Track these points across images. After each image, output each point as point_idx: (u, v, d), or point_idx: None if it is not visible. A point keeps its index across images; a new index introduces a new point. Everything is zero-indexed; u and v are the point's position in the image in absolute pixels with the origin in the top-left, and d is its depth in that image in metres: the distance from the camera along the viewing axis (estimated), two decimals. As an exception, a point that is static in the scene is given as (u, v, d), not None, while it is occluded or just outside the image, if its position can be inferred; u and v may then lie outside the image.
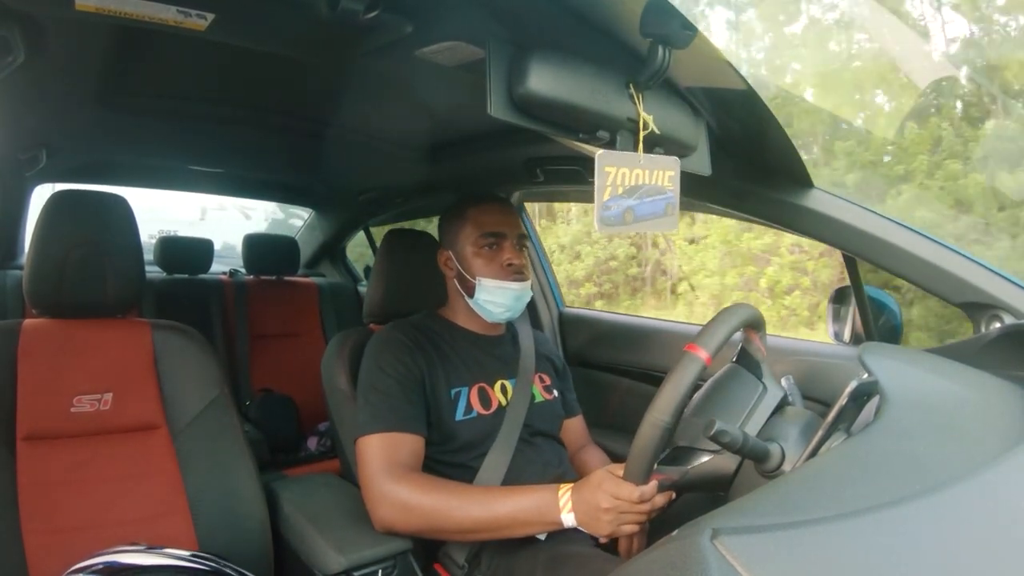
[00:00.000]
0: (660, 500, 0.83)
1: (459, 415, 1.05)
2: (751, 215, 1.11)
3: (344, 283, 2.57)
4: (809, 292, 5.86)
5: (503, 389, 1.12)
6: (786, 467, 0.73)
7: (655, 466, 0.79)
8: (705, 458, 0.80)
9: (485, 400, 1.09)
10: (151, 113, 1.32)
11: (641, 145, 0.75)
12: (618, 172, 0.73)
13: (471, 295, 1.11)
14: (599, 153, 0.71)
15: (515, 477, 1.03)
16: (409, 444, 0.98)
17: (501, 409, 1.09)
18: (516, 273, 1.10)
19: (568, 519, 0.86)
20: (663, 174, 0.78)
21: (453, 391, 1.06)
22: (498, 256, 1.10)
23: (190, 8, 0.80)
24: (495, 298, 1.10)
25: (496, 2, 0.74)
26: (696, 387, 0.77)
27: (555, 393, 1.20)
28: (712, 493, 0.83)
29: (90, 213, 1.07)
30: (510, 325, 1.22)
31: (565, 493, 0.87)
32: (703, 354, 0.75)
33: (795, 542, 0.42)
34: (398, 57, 0.92)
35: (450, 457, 1.04)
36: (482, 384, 1.10)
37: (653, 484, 0.80)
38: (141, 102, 1.26)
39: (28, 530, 0.91)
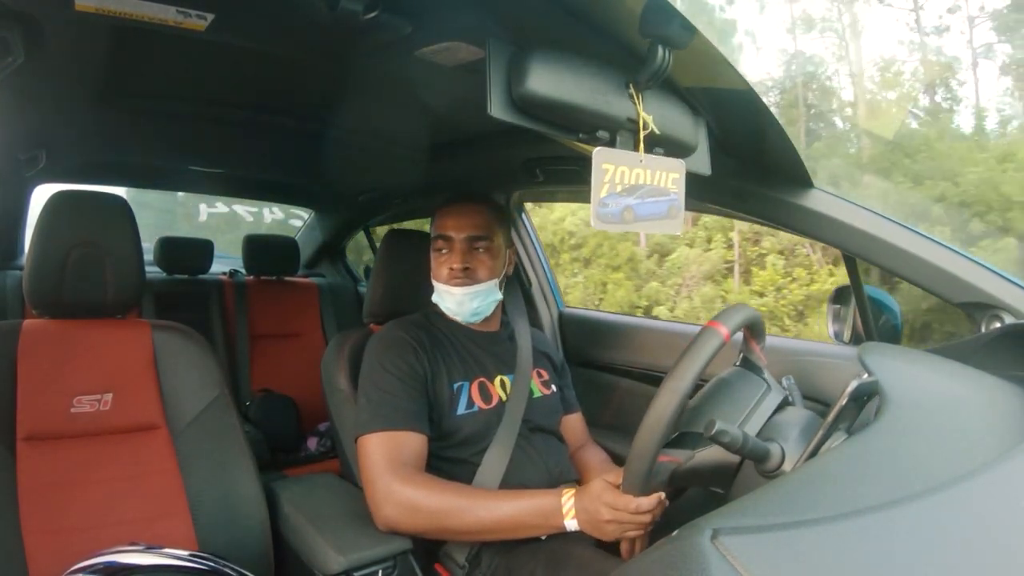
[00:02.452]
0: (659, 510, 0.83)
1: (460, 409, 1.05)
2: (751, 215, 1.11)
3: (344, 283, 2.57)
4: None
5: (503, 384, 1.13)
6: (786, 467, 0.73)
7: (662, 448, 0.78)
8: (711, 445, 0.79)
9: (486, 395, 1.09)
10: (151, 113, 1.32)
11: (642, 145, 0.75)
12: (617, 170, 0.72)
13: None
14: (597, 149, 0.71)
15: (515, 473, 1.04)
16: (412, 442, 0.98)
17: (501, 404, 1.10)
18: (455, 278, 1.09)
19: (571, 524, 0.87)
20: (667, 175, 0.78)
21: (455, 385, 1.07)
22: (447, 260, 1.11)
23: (190, 8, 0.80)
24: (443, 301, 1.12)
25: (496, 2, 0.74)
26: (702, 384, 0.76)
27: (553, 388, 1.20)
28: (714, 488, 0.82)
29: (90, 213, 1.07)
30: (507, 322, 1.23)
31: (569, 499, 0.87)
32: (723, 330, 0.76)
33: (795, 542, 0.42)
34: (398, 57, 0.93)
35: (451, 452, 1.04)
36: (482, 379, 1.10)
37: (653, 498, 0.81)
38: (141, 102, 1.26)
39: (28, 530, 0.91)
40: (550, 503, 0.88)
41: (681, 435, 0.82)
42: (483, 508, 0.91)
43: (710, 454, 0.78)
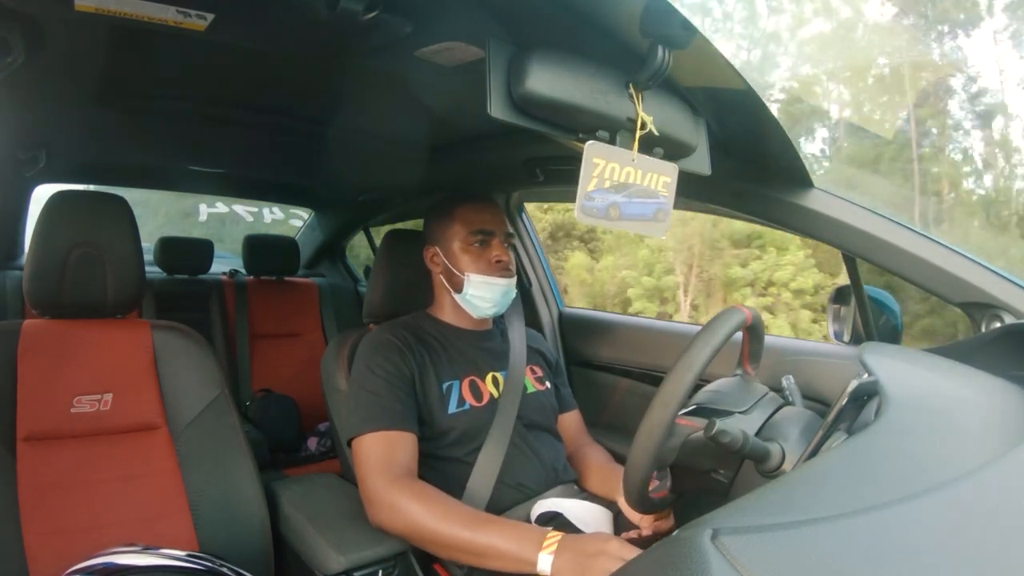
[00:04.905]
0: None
1: (451, 408, 1.06)
2: (751, 215, 1.11)
3: (344, 283, 2.57)
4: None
5: (495, 381, 1.13)
6: (786, 467, 0.73)
7: (680, 413, 0.77)
8: (731, 416, 0.79)
9: (476, 392, 1.10)
10: (151, 113, 1.32)
11: (636, 144, 0.75)
12: (607, 165, 0.73)
13: (459, 290, 1.13)
14: (589, 143, 0.71)
15: (512, 470, 1.04)
16: (401, 442, 0.98)
17: (493, 401, 1.10)
18: (504, 270, 1.12)
19: (544, 560, 0.81)
20: (657, 178, 0.78)
21: (444, 385, 1.07)
22: (486, 253, 1.12)
23: (190, 8, 0.80)
24: (483, 293, 1.11)
25: (496, 2, 0.74)
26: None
27: (547, 384, 1.21)
28: (717, 476, 0.81)
29: (90, 213, 1.07)
30: (499, 320, 1.23)
31: (554, 536, 0.84)
32: (746, 311, 0.77)
33: (795, 542, 0.42)
34: (398, 57, 0.93)
35: (446, 452, 1.05)
36: (472, 377, 1.11)
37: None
38: (141, 102, 1.26)
39: (28, 531, 0.91)
40: (530, 534, 0.85)
41: (698, 408, 0.82)
42: (462, 525, 0.88)
43: (728, 424, 0.76)
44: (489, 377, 1.13)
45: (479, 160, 1.49)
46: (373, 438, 0.97)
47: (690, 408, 0.82)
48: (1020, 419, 0.65)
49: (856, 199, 0.98)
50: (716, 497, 0.82)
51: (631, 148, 0.77)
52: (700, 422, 0.78)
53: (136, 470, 1.02)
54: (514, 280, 1.14)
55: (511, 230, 1.17)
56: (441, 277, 1.16)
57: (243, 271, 2.29)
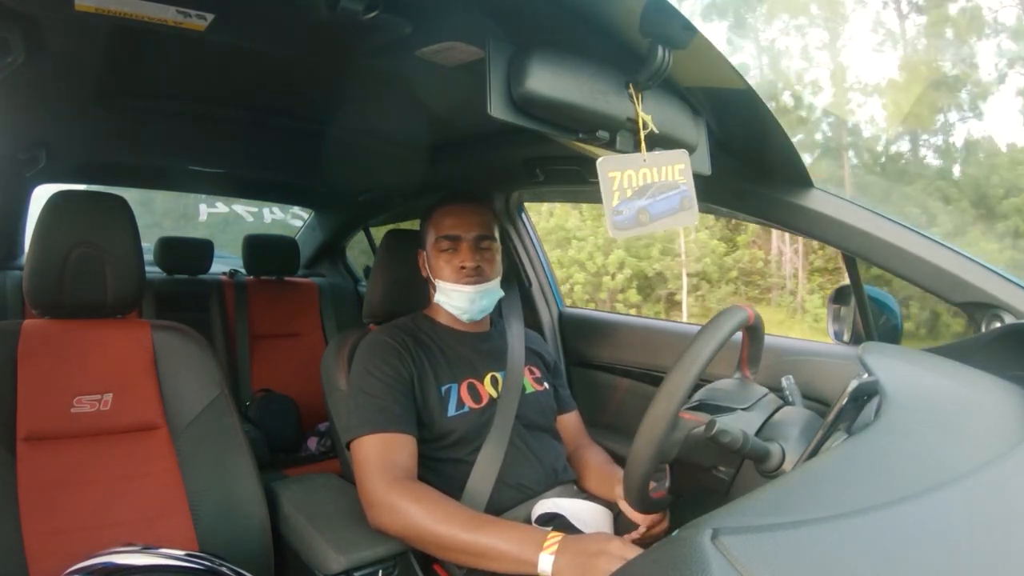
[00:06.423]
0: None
1: (451, 411, 1.06)
2: (751, 215, 1.12)
3: (344, 283, 2.57)
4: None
5: (493, 381, 1.13)
6: (786, 467, 0.73)
7: (683, 408, 0.77)
8: (734, 412, 0.79)
9: (475, 395, 1.10)
10: (151, 113, 1.32)
11: (643, 144, 0.75)
12: (623, 175, 0.72)
13: (436, 296, 1.14)
14: (599, 160, 0.71)
15: (512, 471, 1.04)
16: (400, 443, 0.98)
17: (492, 402, 1.10)
18: (468, 276, 1.10)
19: (546, 560, 0.81)
20: (672, 169, 0.78)
21: (443, 388, 1.07)
22: (454, 259, 1.11)
23: (190, 8, 0.80)
24: (451, 300, 1.12)
25: (495, 2, 0.74)
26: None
27: (546, 385, 1.21)
28: (718, 473, 0.81)
29: (90, 213, 1.07)
30: (498, 321, 1.23)
31: (555, 536, 0.84)
32: (748, 310, 0.77)
33: (795, 542, 0.42)
34: (398, 57, 0.93)
35: (445, 453, 1.05)
36: (471, 380, 1.11)
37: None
38: (141, 102, 1.26)
39: (28, 530, 0.91)
40: (531, 535, 0.85)
41: (700, 404, 0.82)
42: (462, 527, 0.88)
43: (728, 422, 0.76)
44: (488, 378, 1.13)
45: (479, 160, 1.50)
46: (371, 440, 0.97)
47: (692, 404, 0.82)
48: (1020, 419, 0.65)
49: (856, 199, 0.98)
50: (716, 496, 0.82)
51: (631, 148, 0.77)
52: (703, 416, 0.78)
53: (136, 470, 1.02)
54: (488, 285, 1.12)
55: (487, 232, 1.13)
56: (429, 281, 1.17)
57: (243, 271, 2.29)
